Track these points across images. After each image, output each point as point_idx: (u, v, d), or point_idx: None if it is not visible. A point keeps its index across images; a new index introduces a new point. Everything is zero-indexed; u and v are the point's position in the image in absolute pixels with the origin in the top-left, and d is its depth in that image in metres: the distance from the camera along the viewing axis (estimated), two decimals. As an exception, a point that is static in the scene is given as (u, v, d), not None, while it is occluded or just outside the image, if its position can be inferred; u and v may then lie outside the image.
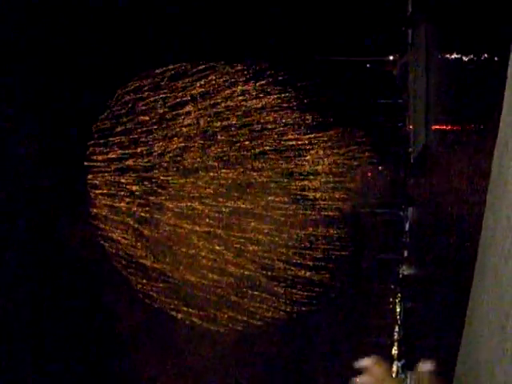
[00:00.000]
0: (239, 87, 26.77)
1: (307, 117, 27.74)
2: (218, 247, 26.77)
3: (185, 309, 26.60)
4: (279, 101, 27.42)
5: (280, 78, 26.92)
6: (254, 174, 27.05)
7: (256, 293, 27.34)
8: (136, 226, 26.29)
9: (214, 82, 26.49)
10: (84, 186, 25.74)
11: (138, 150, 26.10)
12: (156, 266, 26.48)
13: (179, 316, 26.59)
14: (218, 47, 25.78)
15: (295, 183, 28.08)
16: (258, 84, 26.93)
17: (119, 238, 26.16)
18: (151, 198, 26.31)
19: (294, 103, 27.53)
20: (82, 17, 24.21)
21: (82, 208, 25.60)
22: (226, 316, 26.89)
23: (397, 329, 33.72)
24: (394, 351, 33.46)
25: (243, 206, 26.86)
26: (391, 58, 31.74)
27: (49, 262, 25.19)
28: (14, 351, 24.60)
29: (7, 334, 24.32)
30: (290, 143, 27.89)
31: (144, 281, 26.44)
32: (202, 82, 26.46)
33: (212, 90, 26.64)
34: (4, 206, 24.22)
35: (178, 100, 26.38)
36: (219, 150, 26.54)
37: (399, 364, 33.12)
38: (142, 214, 26.26)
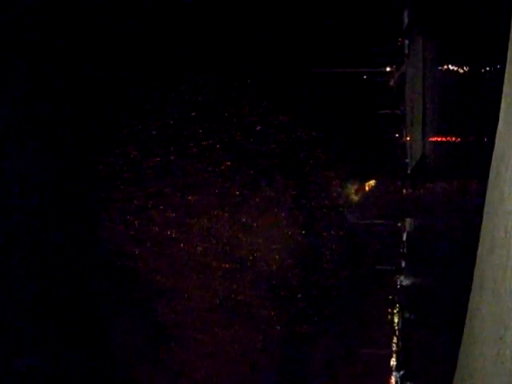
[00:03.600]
0: (247, 105, 26.81)
1: (310, 134, 27.81)
2: (225, 264, 26.80)
3: (191, 324, 26.58)
4: (285, 119, 27.47)
5: (282, 96, 26.98)
6: (262, 192, 27.09)
7: (260, 308, 27.36)
8: (146, 239, 26.27)
9: (222, 97, 26.53)
10: (97, 199, 25.74)
11: (150, 163, 26.10)
12: (164, 281, 26.44)
13: (183, 331, 26.58)
14: (217, 60, 25.91)
15: (302, 201, 28.14)
16: (263, 102, 26.97)
17: (128, 252, 26.14)
18: (163, 213, 26.30)
19: (299, 121, 27.59)
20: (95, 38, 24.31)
21: (93, 221, 25.61)
22: (230, 331, 26.90)
23: (395, 339, 33.66)
24: (393, 362, 33.39)
25: (250, 223, 26.89)
26: (388, 69, 31.90)
27: (59, 274, 25.19)
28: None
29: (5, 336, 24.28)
30: (297, 162, 27.94)
31: (152, 296, 26.40)
32: (211, 96, 26.48)
33: (221, 106, 26.67)
34: (23, 216, 24.30)
35: (186, 114, 26.41)
36: (228, 167, 26.57)
37: (398, 375, 33.03)
38: (154, 229, 26.24)
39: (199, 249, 26.64)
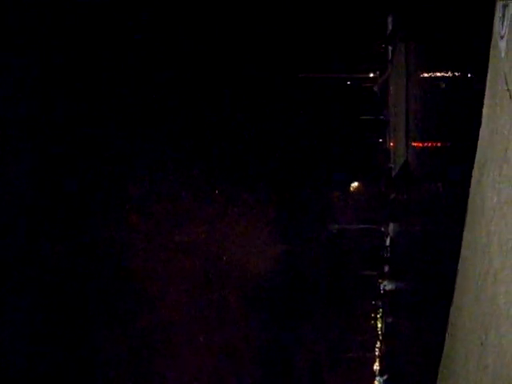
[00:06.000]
0: (233, 110, 26.73)
1: (294, 139, 27.82)
2: (204, 272, 26.74)
3: (173, 335, 26.47)
4: (270, 124, 27.44)
5: (268, 101, 26.93)
6: (245, 199, 27.04)
7: (245, 313, 27.30)
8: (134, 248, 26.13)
9: (207, 103, 26.42)
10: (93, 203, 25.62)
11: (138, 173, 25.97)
12: (155, 288, 26.29)
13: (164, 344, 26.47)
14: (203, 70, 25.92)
15: (285, 207, 28.13)
16: (248, 108, 26.92)
17: (118, 259, 26.02)
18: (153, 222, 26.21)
19: (283, 126, 27.59)
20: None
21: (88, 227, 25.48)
22: (210, 338, 26.85)
23: (378, 344, 33.78)
24: (376, 367, 33.51)
25: (235, 231, 26.83)
26: (372, 75, 32.08)
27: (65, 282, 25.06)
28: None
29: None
30: (280, 168, 27.92)
31: (146, 303, 26.25)
32: (196, 102, 26.37)
33: (206, 111, 26.56)
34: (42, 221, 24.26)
35: (175, 122, 26.31)
36: (213, 174, 26.48)
37: (381, 379, 33.15)
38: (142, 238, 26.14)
39: (185, 257, 26.58)
